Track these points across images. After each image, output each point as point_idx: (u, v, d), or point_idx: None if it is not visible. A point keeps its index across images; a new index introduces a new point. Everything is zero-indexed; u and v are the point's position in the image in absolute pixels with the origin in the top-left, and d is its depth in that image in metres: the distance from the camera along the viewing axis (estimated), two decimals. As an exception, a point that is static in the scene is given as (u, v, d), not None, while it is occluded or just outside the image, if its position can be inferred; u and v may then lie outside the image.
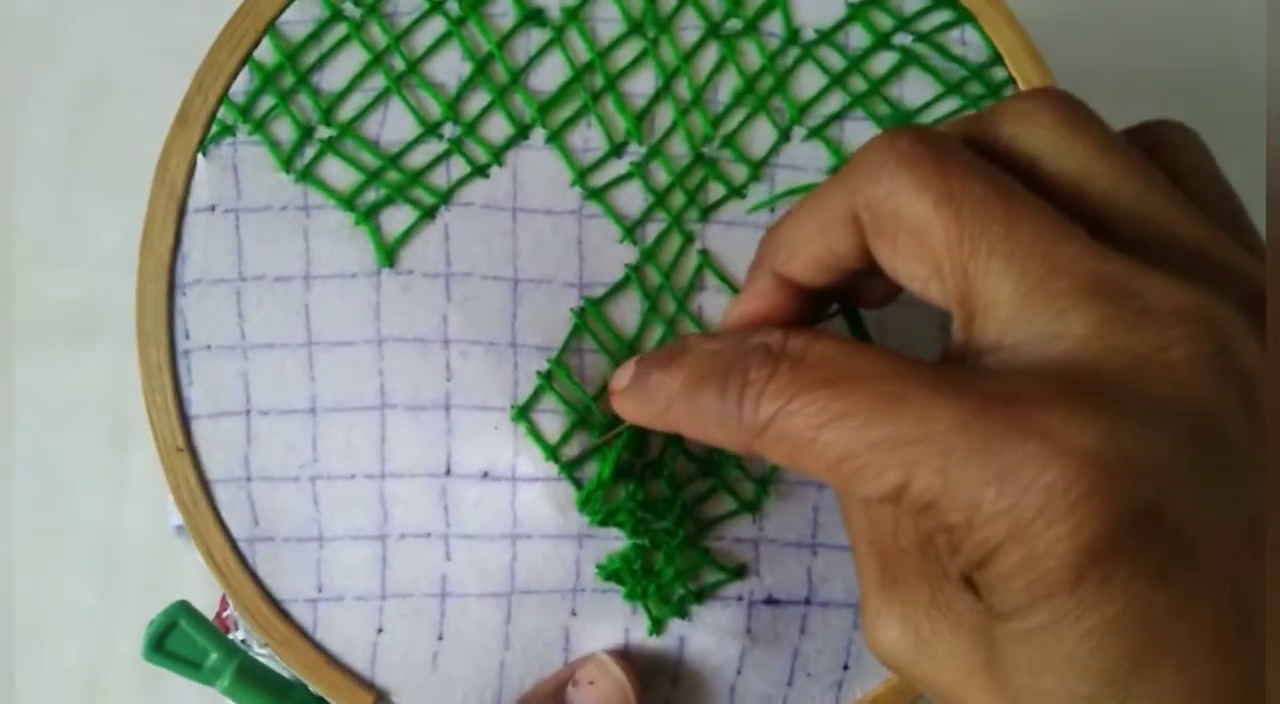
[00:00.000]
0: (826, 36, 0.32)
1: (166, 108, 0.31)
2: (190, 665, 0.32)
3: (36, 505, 0.35)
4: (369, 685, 0.31)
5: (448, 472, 0.31)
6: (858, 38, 0.32)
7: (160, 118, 0.31)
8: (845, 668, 0.32)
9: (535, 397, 0.31)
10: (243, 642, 0.34)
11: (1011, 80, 0.32)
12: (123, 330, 0.31)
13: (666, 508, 0.31)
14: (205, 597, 0.34)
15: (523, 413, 0.31)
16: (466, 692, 0.31)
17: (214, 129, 0.31)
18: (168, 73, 0.33)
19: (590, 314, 0.31)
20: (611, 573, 0.31)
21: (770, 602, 0.32)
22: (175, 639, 0.33)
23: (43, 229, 0.45)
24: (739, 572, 0.31)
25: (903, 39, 0.32)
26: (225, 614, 0.35)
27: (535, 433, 0.31)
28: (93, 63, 0.47)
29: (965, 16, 0.32)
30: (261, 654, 0.33)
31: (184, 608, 0.33)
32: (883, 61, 0.32)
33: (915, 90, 0.32)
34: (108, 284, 0.44)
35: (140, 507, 0.31)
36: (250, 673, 0.32)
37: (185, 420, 0.31)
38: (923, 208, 0.21)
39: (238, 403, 0.31)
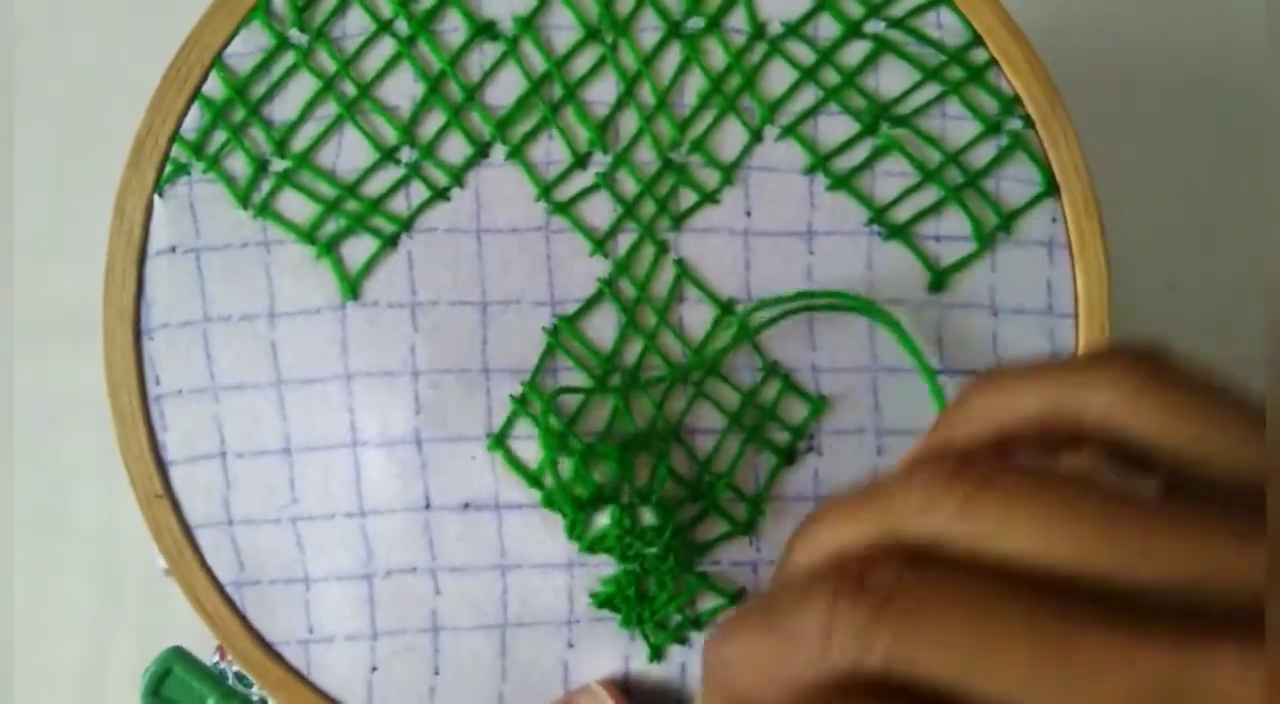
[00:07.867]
0: (794, 29, 0.30)
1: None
2: (187, 712, 0.32)
3: (36, 505, 0.34)
4: (366, 724, 0.31)
5: (427, 505, 0.30)
6: (827, 28, 0.31)
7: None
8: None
9: (510, 422, 0.30)
10: (236, 675, 0.34)
11: (994, 62, 0.31)
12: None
13: (656, 533, 0.30)
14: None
15: (499, 441, 0.30)
16: (465, 726, 0.31)
17: (168, 169, 0.30)
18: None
19: (563, 332, 0.30)
20: (605, 600, 0.30)
21: None
22: (172, 685, 0.32)
23: (43, 228, 0.45)
24: (738, 596, 0.30)
25: (875, 26, 0.31)
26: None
27: (514, 461, 0.30)
28: (93, 63, 0.47)
29: (940, -4, 0.31)
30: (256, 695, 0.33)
31: (178, 654, 0.33)
32: (855, 51, 0.31)
33: (891, 79, 0.31)
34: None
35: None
36: (247, 716, 0.31)
37: (162, 466, 0.31)
38: None
39: (213, 446, 0.30)
